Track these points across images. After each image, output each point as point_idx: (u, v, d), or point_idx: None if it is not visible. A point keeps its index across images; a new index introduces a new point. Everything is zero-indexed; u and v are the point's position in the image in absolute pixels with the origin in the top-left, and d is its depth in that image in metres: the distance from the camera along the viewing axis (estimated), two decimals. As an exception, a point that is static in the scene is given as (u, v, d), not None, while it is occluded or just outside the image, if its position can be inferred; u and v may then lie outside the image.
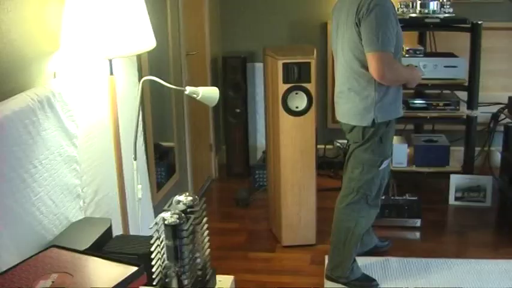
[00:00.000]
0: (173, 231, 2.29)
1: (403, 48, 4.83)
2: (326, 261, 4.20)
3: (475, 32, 5.10)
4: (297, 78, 4.18)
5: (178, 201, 2.48)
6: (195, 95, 3.13)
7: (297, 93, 4.21)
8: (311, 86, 4.21)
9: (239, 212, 5.16)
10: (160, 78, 3.16)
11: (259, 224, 4.91)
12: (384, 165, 3.82)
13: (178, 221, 2.30)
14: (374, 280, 4.06)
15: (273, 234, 4.68)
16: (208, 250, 2.58)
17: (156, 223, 2.32)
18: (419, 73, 3.93)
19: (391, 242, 4.56)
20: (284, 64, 4.14)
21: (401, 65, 3.76)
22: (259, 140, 5.97)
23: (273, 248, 4.50)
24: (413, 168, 5.19)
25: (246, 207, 5.22)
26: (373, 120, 3.67)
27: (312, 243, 4.51)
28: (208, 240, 2.57)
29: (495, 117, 5.82)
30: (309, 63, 4.19)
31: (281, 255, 4.41)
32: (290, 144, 4.27)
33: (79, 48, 2.58)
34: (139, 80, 3.28)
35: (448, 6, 5.22)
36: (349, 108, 3.76)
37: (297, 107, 4.23)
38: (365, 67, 3.60)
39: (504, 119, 5.62)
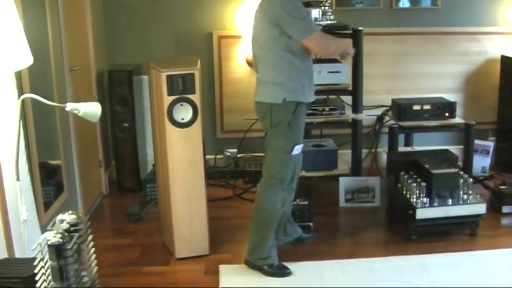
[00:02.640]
0: (57, 251, 2.25)
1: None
2: (220, 271, 4.25)
3: (356, 37, 5.24)
4: (182, 89, 4.16)
5: (62, 220, 2.44)
6: (76, 111, 3.08)
7: (182, 105, 4.19)
8: (196, 97, 4.21)
9: (131, 227, 5.09)
10: (43, 95, 3.10)
11: (153, 238, 4.85)
12: (296, 151, 4.08)
13: (61, 240, 2.26)
14: (287, 268, 4.24)
15: (167, 247, 4.64)
16: (96, 268, 2.55)
17: (39, 244, 2.27)
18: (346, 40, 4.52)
19: (315, 235, 4.73)
20: (168, 76, 4.12)
21: (333, 40, 4.34)
22: (149, 153, 5.91)
23: (167, 261, 4.46)
24: (303, 173, 5.26)
25: (139, 221, 5.15)
26: (284, 98, 3.98)
27: (205, 254, 4.49)
28: (95, 258, 2.53)
29: (380, 119, 6.01)
30: (192, 74, 4.18)
31: (175, 268, 4.37)
32: (178, 156, 4.25)
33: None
34: (18, 98, 3.20)
35: (330, 14, 5.35)
36: (265, 88, 4.10)
37: (182, 119, 4.21)
38: (278, 56, 4.01)
39: (388, 120, 5.80)
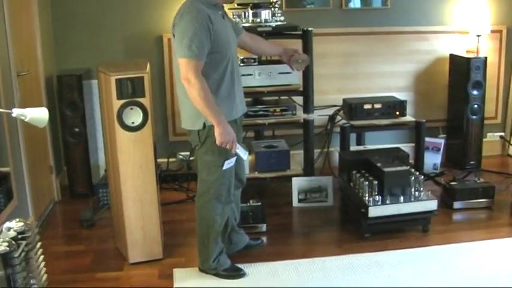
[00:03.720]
0: (4, 259, 2.21)
1: (237, 57, 4.92)
2: (174, 275, 4.24)
3: (306, 38, 5.27)
4: (131, 93, 4.12)
5: (9, 228, 2.40)
6: (23, 117, 3.03)
7: (132, 109, 4.15)
8: (146, 100, 4.17)
9: (84, 233, 5.02)
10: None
11: (106, 244, 4.80)
12: (227, 166, 3.97)
13: (8, 248, 2.22)
14: (241, 270, 4.25)
15: (120, 253, 4.60)
16: (46, 276, 2.51)
17: (-15, 253, 2.23)
18: (230, 129, 3.81)
19: (263, 241, 4.69)
20: (117, 80, 4.07)
21: (211, 97, 3.74)
22: (101, 158, 5.85)
23: (121, 267, 4.41)
24: (256, 174, 5.27)
25: (91, 227, 5.09)
26: (204, 123, 3.85)
27: (159, 258, 4.46)
28: (45, 265, 2.50)
29: (332, 119, 6.05)
30: (142, 78, 4.14)
31: (129, 273, 4.33)
32: (129, 160, 4.21)
33: None
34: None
35: (279, 15, 5.36)
36: (184, 113, 4.00)
37: (133, 123, 4.17)
38: None
39: (340, 120, 5.84)
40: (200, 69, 3.70)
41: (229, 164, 3.98)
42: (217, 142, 3.79)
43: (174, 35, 3.78)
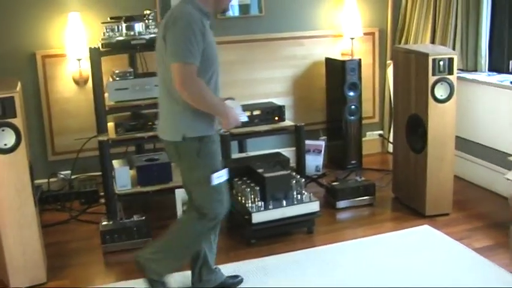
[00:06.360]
0: None
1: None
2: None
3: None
4: (1, 114, 3.97)
5: None
6: None
7: (3, 130, 3.99)
8: (18, 121, 4.03)
9: (-37, 262, 4.84)
10: None
11: (-14, 272, 4.64)
12: (216, 180, 3.76)
13: None
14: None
15: (1, 280, 4.43)
16: None
17: None
18: (235, 114, 3.78)
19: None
20: (-15, 101, 3.95)
21: (211, 92, 3.62)
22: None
23: (3, 294, 4.29)
24: (139, 188, 5.18)
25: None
26: (183, 136, 3.63)
27: (42, 282, 4.32)
28: None
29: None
30: (12, 98, 4.00)
31: (11, 300, 4.21)
32: (3, 183, 4.05)
33: None
34: None
35: (153, 27, 5.30)
36: (163, 122, 3.78)
37: (5, 145, 4.00)
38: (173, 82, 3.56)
39: (220, 129, 5.79)
40: (196, 73, 3.51)
41: (218, 177, 3.77)
42: (225, 127, 3.85)
43: (164, 39, 3.56)
